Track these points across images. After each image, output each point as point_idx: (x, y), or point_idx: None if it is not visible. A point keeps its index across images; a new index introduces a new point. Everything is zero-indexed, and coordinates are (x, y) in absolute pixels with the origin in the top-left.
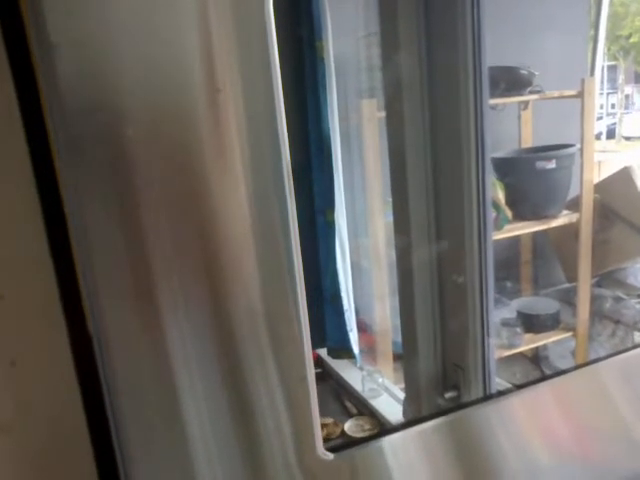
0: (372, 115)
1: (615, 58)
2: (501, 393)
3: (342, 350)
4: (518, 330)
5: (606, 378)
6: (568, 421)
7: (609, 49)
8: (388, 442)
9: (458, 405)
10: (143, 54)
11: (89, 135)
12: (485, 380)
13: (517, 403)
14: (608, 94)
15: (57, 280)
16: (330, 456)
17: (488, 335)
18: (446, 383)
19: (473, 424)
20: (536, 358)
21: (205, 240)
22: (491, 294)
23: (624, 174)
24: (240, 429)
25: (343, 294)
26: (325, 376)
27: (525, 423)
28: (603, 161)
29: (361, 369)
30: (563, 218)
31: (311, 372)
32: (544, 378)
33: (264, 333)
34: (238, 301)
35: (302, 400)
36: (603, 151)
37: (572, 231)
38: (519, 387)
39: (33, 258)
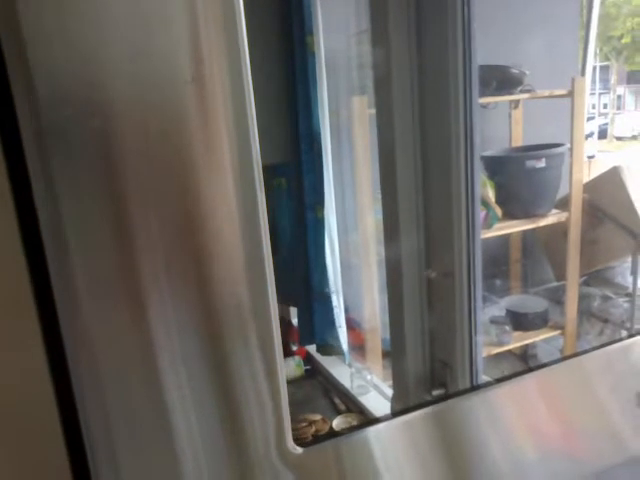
0: (362, 112)
1: (607, 59)
2: (487, 384)
3: (331, 347)
4: (507, 328)
5: (590, 371)
6: (552, 413)
7: (601, 50)
8: (372, 433)
9: (443, 396)
10: (126, 42)
11: (67, 125)
12: (472, 378)
13: (503, 394)
14: (600, 94)
15: (30, 269)
16: (299, 450)
17: (476, 333)
18: (434, 380)
19: (459, 415)
20: (525, 356)
21: (191, 231)
22: (479, 292)
23: (613, 174)
24: (223, 424)
25: (332, 291)
26: (314, 373)
27: (510, 414)
28: (593, 161)
29: (350, 366)
30: (552, 217)
31: (281, 367)
32: (530, 370)
33: (242, 326)
34: (224, 295)
35: (272, 395)
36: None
37: (561, 230)
38: (505, 379)
39: (3, 249)
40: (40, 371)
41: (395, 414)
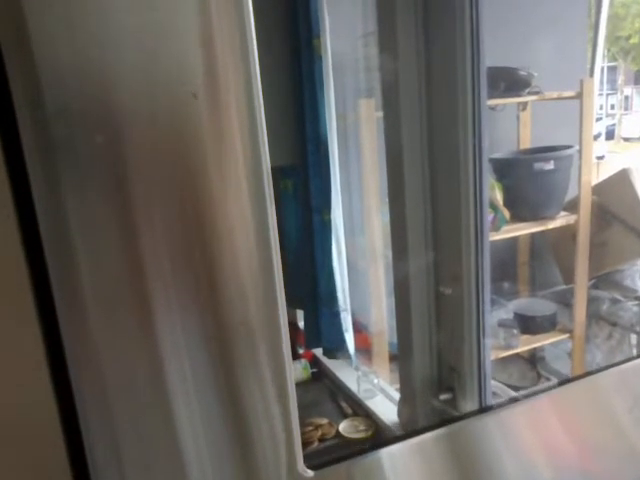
0: (370, 114)
1: (615, 59)
2: (500, 405)
3: (338, 350)
4: (515, 331)
5: (605, 389)
6: (568, 433)
7: (609, 50)
8: (385, 454)
9: (456, 417)
10: (136, 46)
11: (74, 130)
12: (480, 382)
13: (516, 414)
14: (608, 95)
15: (30, 272)
16: (310, 473)
17: (484, 337)
18: (441, 385)
19: (472, 435)
20: (533, 359)
21: (199, 237)
22: (487, 296)
23: (622, 176)
24: (233, 447)
25: (339, 294)
26: (320, 376)
27: (525, 435)
28: (603, 161)
29: (356, 369)
30: (561, 219)
31: (292, 390)
32: (543, 390)
33: (254, 346)
34: (234, 310)
35: (283, 416)
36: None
37: (570, 233)
38: (518, 399)
39: (4, 255)
40: (42, 381)
41: (408, 435)
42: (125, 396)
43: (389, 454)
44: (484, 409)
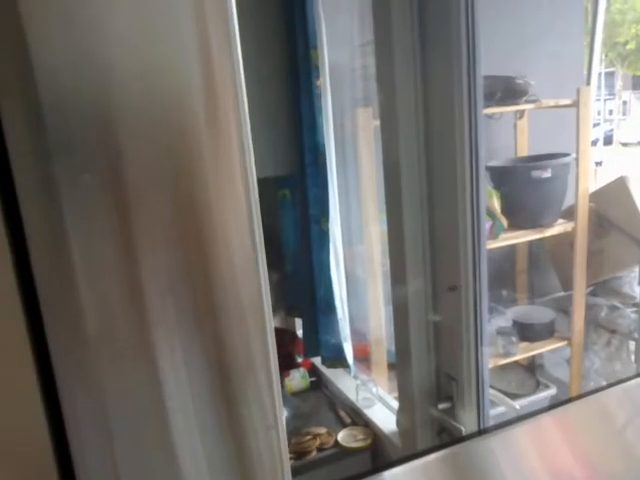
0: (367, 123)
1: (613, 64)
2: (502, 424)
3: (336, 359)
4: (513, 339)
5: (608, 404)
6: (573, 452)
7: (606, 55)
8: (387, 477)
9: (458, 439)
10: (137, 47)
11: (73, 140)
12: (478, 391)
13: (519, 434)
14: (606, 100)
15: (20, 284)
16: None
17: (482, 345)
18: (439, 394)
19: (476, 456)
20: (532, 367)
21: (197, 255)
22: (485, 304)
23: (619, 183)
24: (233, 469)
25: (337, 303)
26: (319, 385)
27: (528, 455)
28: (600, 168)
29: (355, 378)
30: (558, 227)
31: (282, 420)
32: (546, 409)
33: (253, 368)
34: (234, 331)
35: (270, 451)
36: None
37: (568, 240)
38: (521, 418)
39: None
40: (33, 406)
41: (411, 457)
42: (123, 419)
43: (392, 477)
44: (485, 430)
